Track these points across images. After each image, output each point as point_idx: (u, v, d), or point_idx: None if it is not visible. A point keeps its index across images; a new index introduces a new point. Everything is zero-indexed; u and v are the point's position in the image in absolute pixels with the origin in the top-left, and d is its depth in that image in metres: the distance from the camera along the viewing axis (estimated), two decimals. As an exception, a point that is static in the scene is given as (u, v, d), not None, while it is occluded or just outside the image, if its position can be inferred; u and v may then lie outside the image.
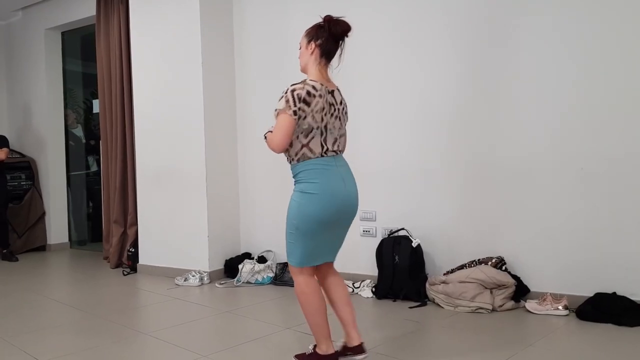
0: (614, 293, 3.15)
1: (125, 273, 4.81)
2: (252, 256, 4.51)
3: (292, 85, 2.28)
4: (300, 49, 2.44)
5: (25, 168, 6.14)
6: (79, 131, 6.62)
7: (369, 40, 3.98)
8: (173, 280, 4.36)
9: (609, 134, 3.21)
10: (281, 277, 4.20)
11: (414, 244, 3.68)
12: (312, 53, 2.39)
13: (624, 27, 3.15)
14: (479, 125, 3.61)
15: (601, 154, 3.23)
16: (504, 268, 3.45)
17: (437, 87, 3.75)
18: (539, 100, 3.40)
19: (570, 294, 3.27)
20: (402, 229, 3.83)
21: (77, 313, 3.58)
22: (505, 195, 3.51)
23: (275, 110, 2.26)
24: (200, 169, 4.43)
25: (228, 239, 4.62)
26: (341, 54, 2.41)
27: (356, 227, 4.09)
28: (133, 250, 4.93)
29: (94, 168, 6.65)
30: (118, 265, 5.10)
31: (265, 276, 4.26)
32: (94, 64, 5.57)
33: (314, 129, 2.28)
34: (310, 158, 2.30)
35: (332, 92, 2.36)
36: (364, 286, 3.86)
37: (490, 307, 3.31)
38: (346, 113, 2.47)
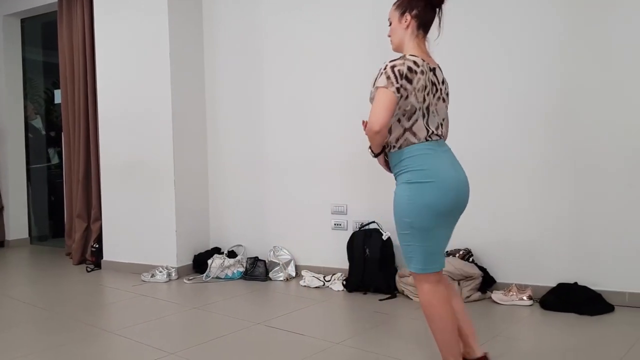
0: (576, 283, 3.24)
1: (89, 270, 4.70)
2: (221, 251, 4.47)
3: (390, 62, 1.97)
4: (390, 24, 2.14)
5: (-19, 162, 5.93)
6: (38, 122, 6.42)
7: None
8: (139, 276, 4.28)
9: (571, 126, 3.29)
10: (252, 272, 4.17)
11: (385, 237, 3.70)
12: (407, 26, 2.08)
13: None
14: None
15: (562, 147, 3.31)
16: (471, 260, 3.51)
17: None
18: (509, 92, 3.45)
19: (534, 284, 3.35)
20: (373, 222, 3.85)
21: (38, 311, 3.48)
22: (473, 188, 3.55)
23: (375, 87, 1.97)
24: (168, 161, 4.36)
25: (197, 234, 4.56)
26: (440, 23, 2.10)
27: (327, 220, 4.10)
28: (97, 246, 4.83)
29: (55, 161, 6.46)
30: (81, 261, 4.98)
31: (235, 271, 4.22)
32: (55, 53, 5.40)
33: (417, 110, 1.98)
34: (413, 143, 2.00)
35: (433, 70, 2.05)
36: (334, 279, 3.88)
37: (458, 299, 3.37)
38: (448, 94, 2.15)
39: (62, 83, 5.26)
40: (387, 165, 2.16)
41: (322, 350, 2.63)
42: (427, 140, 2.01)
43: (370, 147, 2.10)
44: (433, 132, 2.02)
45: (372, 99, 2.00)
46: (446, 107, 2.13)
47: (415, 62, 1.96)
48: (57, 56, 5.35)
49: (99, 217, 4.89)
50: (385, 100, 1.94)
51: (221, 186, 4.62)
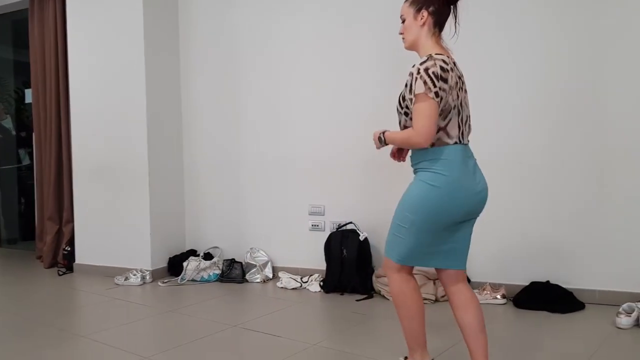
0: (548, 282, 3.30)
1: (61, 273, 4.61)
2: (197, 253, 4.43)
3: (421, 64, 1.89)
4: (403, 22, 2.06)
5: (-51, 163, 5.78)
6: (8, 122, 6.28)
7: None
8: (112, 279, 4.22)
9: (544, 127, 3.35)
10: (228, 274, 4.15)
11: (362, 238, 3.72)
12: (423, 23, 2.00)
13: None
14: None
15: (536, 147, 3.37)
16: (446, 260, 3.54)
17: (387, 87, 3.79)
18: (485, 97, 3.50)
19: (507, 283, 3.41)
20: (350, 222, 3.86)
21: (8, 316, 3.40)
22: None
23: (413, 95, 1.89)
24: (142, 162, 4.30)
25: (172, 236, 4.51)
26: (456, 20, 2.04)
27: (304, 221, 4.10)
28: (69, 248, 4.74)
29: (26, 162, 6.33)
30: (53, 265, 4.88)
31: (211, 273, 4.19)
32: (26, 51, 5.27)
33: (452, 109, 1.93)
34: (447, 144, 1.93)
35: (455, 64, 2.00)
36: (312, 280, 3.88)
37: (434, 298, 3.40)
38: (465, 84, 2.07)
39: (33, 82, 5.14)
40: (398, 155, 2.19)
41: (298, 351, 2.63)
42: (459, 140, 1.96)
43: (380, 139, 2.09)
44: (465, 131, 2.00)
45: (404, 107, 1.96)
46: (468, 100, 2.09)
47: (444, 61, 1.91)
48: (28, 54, 5.23)
49: (71, 220, 4.81)
50: (428, 109, 1.87)
51: (197, 187, 4.58)
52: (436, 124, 1.89)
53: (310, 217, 4.08)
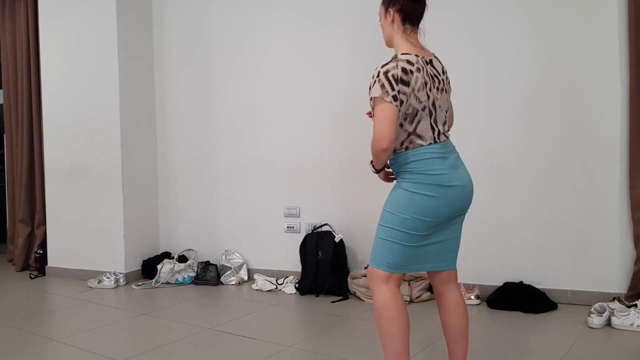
0: (521, 282, 3.34)
1: (33, 276, 4.54)
2: (172, 255, 4.39)
3: (382, 66, 1.85)
4: (380, 20, 2.04)
5: None
6: (-22, 124, 6.15)
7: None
8: (86, 282, 4.17)
9: (517, 130, 3.39)
10: (203, 277, 4.11)
11: (337, 239, 3.72)
12: (392, 21, 1.97)
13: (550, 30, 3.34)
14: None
15: (510, 149, 3.41)
16: (421, 261, 3.56)
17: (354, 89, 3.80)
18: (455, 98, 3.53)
19: (481, 284, 3.44)
20: (326, 224, 3.86)
21: (-22, 321, 3.33)
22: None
23: (370, 98, 1.87)
24: (115, 164, 4.25)
25: (146, 238, 4.46)
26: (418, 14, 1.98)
27: (280, 223, 4.09)
28: (41, 251, 4.68)
29: (-4, 164, 6.20)
30: (24, 268, 4.82)
31: (185, 276, 4.15)
32: (-4, 52, 5.19)
33: (420, 111, 1.87)
34: (421, 145, 1.89)
35: (430, 62, 1.94)
36: (287, 282, 3.86)
37: (409, 299, 3.42)
38: (449, 83, 2.04)
39: (5, 83, 5.06)
40: (387, 178, 2.09)
41: (273, 354, 2.62)
42: (435, 141, 1.90)
43: (371, 163, 1.99)
44: (441, 131, 1.93)
45: (372, 109, 1.89)
46: (449, 96, 2.02)
47: (408, 61, 1.85)
48: (-2, 54, 5.15)
49: (43, 222, 4.75)
50: (385, 114, 1.82)
51: (171, 190, 4.54)
52: (394, 128, 1.83)
53: (286, 218, 4.07)
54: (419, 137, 1.89)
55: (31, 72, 4.78)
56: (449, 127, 2.04)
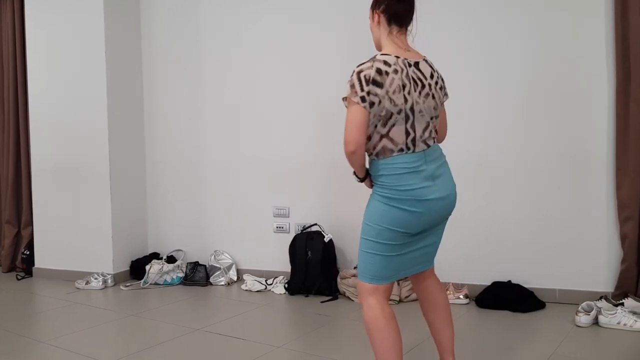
0: (509, 282, 3.36)
1: (20, 277, 4.50)
2: (160, 256, 4.36)
3: (358, 66, 1.82)
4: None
5: None
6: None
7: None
8: (73, 283, 4.13)
9: (506, 131, 3.41)
10: (191, 277, 4.09)
11: (327, 239, 3.72)
12: (378, 23, 1.92)
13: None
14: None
15: (499, 151, 3.43)
16: (410, 261, 3.57)
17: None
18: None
19: (470, 283, 3.46)
20: (315, 224, 3.86)
21: (-37, 323, 3.29)
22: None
23: (343, 99, 1.86)
24: (103, 164, 4.22)
25: (134, 239, 4.43)
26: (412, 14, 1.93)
27: (269, 223, 4.08)
28: (28, 252, 4.63)
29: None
30: (11, 269, 4.76)
31: (174, 276, 4.13)
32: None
33: (395, 114, 1.81)
34: (392, 151, 1.83)
35: (416, 64, 1.87)
36: (276, 283, 3.86)
37: (398, 298, 3.43)
38: (442, 88, 1.95)
39: (-10, 81, 5.00)
40: (372, 185, 2.00)
41: (263, 354, 2.61)
42: (407, 148, 1.83)
43: (354, 173, 1.95)
44: (419, 137, 1.84)
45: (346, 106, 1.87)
46: (439, 103, 1.94)
47: (385, 62, 1.81)
48: (-16, 53, 5.08)
49: (30, 223, 4.70)
50: (353, 117, 1.79)
51: (160, 190, 4.52)
52: (363, 130, 1.79)
53: (275, 219, 4.07)
54: (391, 141, 1.83)
55: (17, 71, 4.73)
56: (440, 137, 1.99)
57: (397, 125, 1.82)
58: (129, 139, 4.41)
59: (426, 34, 3.48)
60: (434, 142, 1.92)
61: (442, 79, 1.97)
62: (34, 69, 4.52)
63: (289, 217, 4.03)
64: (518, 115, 3.39)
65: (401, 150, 1.83)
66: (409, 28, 1.94)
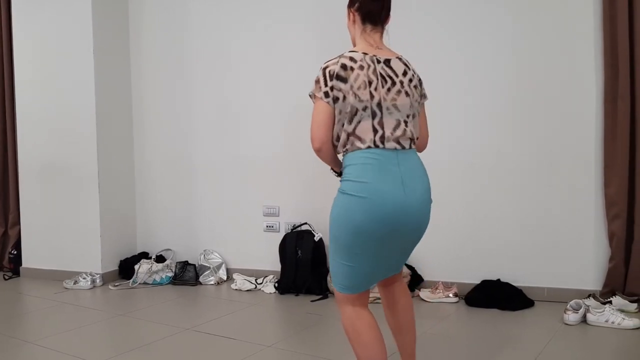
0: (499, 280, 3.38)
1: (7, 277, 4.46)
2: (149, 255, 4.34)
3: (325, 62, 1.81)
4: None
5: None
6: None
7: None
8: (61, 283, 4.10)
9: (495, 130, 3.43)
10: (181, 277, 4.08)
11: (317, 238, 3.72)
12: (354, 22, 1.91)
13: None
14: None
15: (487, 149, 3.45)
16: (400, 260, 3.58)
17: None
18: (433, 99, 3.55)
19: (459, 282, 3.47)
20: (305, 223, 3.86)
21: (-51, 323, 3.25)
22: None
23: (309, 95, 1.85)
24: (91, 162, 4.19)
25: (123, 238, 4.40)
26: (384, 11, 1.90)
27: (259, 222, 4.07)
28: (15, 252, 4.59)
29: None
30: (-2, 269, 4.71)
31: (163, 276, 4.11)
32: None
33: (360, 110, 1.76)
34: (360, 148, 1.77)
35: (387, 61, 1.83)
36: (266, 282, 3.85)
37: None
38: (417, 87, 1.87)
39: (-24, 79, 4.93)
40: None
41: (253, 353, 2.61)
42: (376, 146, 1.76)
43: (331, 169, 1.96)
44: (385, 135, 1.77)
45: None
46: (415, 102, 1.86)
47: (351, 58, 1.78)
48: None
49: (17, 222, 4.66)
50: (316, 113, 1.79)
51: (149, 189, 4.49)
52: (326, 126, 1.79)
53: (265, 218, 4.06)
54: (358, 138, 1.77)
55: (4, 66, 4.68)
56: (421, 142, 1.95)
57: (363, 121, 1.77)
58: (117, 138, 4.38)
59: (414, 33, 3.54)
60: (411, 146, 1.83)
61: (420, 80, 1.92)
62: (21, 68, 4.48)
63: (279, 216, 4.02)
64: (506, 114, 3.40)
65: (369, 147, 1.76)
66: (386, 26, 1.92)
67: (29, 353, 2.73)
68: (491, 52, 3.41)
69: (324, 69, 1.80)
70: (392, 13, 1.93)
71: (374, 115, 1.77)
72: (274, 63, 4.00)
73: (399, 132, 1.79)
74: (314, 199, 3.91)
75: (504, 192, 3.42)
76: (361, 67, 1.78)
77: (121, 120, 4.43)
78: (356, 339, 1.80)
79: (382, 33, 1.91)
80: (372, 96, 1.77)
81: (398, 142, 1.79)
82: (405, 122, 1.81)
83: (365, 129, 1.77)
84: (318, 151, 1.83)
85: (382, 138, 1.77)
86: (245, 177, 4.13)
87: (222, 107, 4.20)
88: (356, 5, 1.89)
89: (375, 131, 1.76)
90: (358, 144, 1.77)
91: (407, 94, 1.83)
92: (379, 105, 1.78)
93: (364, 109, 1.77)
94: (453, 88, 3.48)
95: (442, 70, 3.49)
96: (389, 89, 1.80)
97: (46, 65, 4.35)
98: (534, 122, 3.34)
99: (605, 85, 3.15)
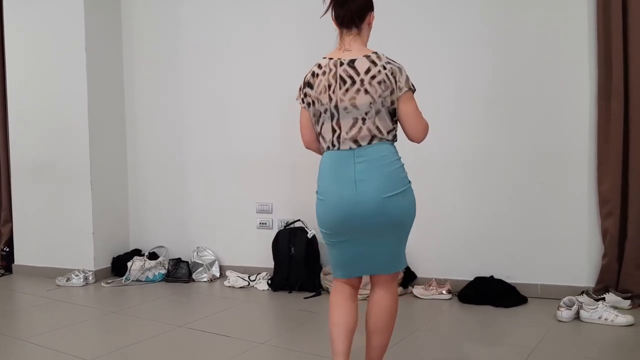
0: (492, 277, 3.38)
1: (-1, 274, 4.43)
2: (142, 253, 4.32)
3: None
4: None
5: None
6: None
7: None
8: (54, 281, 4.07)
9: (487, 126, 3.43)
10: (174, 274, 4.06)
11: (310, 235, 3.71)
12: (336, 28, 2.01)
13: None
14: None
15: (480, 146, 3.45)
16: (394, 256, 3.58)
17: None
18: (424, 96, 3.55)
19: (452, 278, 3.47)
20: (298, 220, 3.85)
21: (-60, 321, 3.23)
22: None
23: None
24: (84, 160, 4.16)
25: (116, 235, 4.38)
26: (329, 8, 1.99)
27: (252, 219, 4.06)
28: (8, 249, 4.57)
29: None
30: (-10, 266, 4.68)
31: (156, 273, 4.10)
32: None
33: (322, 113, 1.93)
34: (324, 148, 1.97)
35: (351, 62, 1.89)
36: (259, 279, 3.84)
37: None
38: (383, 82, 1.86)
39: (-33, 75, 4.90)
40: None
41: (246, 350, 2.60)
42: (333, 145, 1.91)
43: None
44: (342, 134, 1.88)
45: None
46: (378, 97, 1.86)
47: (319, 65, 1.96)
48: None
49: (9, 219, 4.63)
50: (300, 115, 2.04)
51: (141, 186, 4.47)
52: (306, 128, 2.03)
53: (258, 215, 4.05)
54: (323, 139, 1.97)
55: (-5, 64, 4.66)
56: (412, 134, 1.95)
57: (325, 123, 1.94)
58: (109, 135, 4.36)
59: (402, 32, 3.53)
60: (372, 142, 1.88)
61: (391, 73, 1.87)
62: (12, 64, 4.45)
63: (272, 213, 4.02)
64: (500, 111, 3.40)
65: (328, 148, 1.95)
66: (366, 26, 1.98)
67: (22, 351, 2.72)
68: (483, 49, 3.40)
69: (305, 76, 2.00)
70: (378, 11, 1.97)
71: (332, 117, 1.92)
72: (266, 59, 3.98)
73: (354, 131, 1.89)
74: (306, 196, 3.87)
75: (498, 189, 3.42)
76: (324, 73, 1.93)
77: (113, 117, 4.41)
78: (330, 307, 2.04)
79: (359, 34, 1.97)
80: (330, 99, 1.91)
81: (354, 141, 1.90)
82: (364, 120, 1.89)
83: (327, 129, 1.94)
84: (307, 149, 2.08)
85: (339, 138, 1.91)
86: (238, 174, 4.11)
87: (215, 105, 4.18)
88: (331, 13, 1.98)
89: (334, 131, 1.92)
90: (323, 144, 1.97)
91: (366, 91, 1.87)
92: (336, 106, 1.90)
93: (325, 111, 1.93)
94: (446, 86, 3.47)
95: (432, 68, 3.48)
96: (347, 90, 1.89)
97: (38, 63, 4.32)
98: (527, 119, 3.34)
99: (598, 83, 3.15)
